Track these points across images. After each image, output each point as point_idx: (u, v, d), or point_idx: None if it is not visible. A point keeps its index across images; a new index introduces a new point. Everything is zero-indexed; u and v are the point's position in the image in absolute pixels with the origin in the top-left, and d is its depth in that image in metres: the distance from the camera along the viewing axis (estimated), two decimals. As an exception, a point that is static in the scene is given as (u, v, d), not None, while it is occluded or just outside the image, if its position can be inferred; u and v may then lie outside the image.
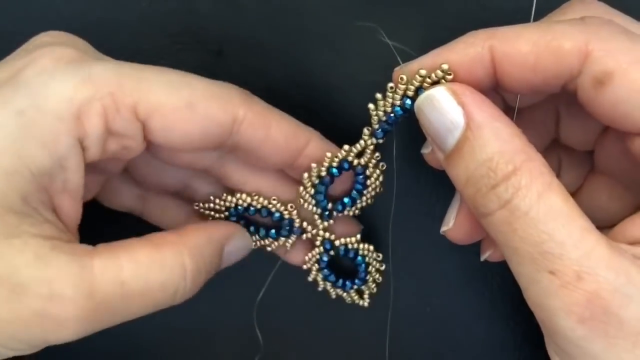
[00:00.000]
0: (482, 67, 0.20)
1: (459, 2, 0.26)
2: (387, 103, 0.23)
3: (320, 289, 0.29)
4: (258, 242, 0.28)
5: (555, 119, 0.25)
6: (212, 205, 0.28)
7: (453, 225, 0.24)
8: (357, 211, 0.28)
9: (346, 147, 0.25)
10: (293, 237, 0.28)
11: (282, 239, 0.28)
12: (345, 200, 0.27)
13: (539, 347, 0.31)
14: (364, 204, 0.28)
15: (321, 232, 0.28)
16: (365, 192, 0.27)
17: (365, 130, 0.25)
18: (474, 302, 0.31)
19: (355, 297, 0.30)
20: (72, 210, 0.23)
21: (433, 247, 0.30)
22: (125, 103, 0.22)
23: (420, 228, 0.30)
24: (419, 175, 0.29)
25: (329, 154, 0.26)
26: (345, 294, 0.29)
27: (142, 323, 0.22)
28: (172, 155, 0.26)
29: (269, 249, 0.29)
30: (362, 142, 0.25)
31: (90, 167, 0.23)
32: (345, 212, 0.28)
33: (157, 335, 0.34)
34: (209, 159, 0.26)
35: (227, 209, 0.28)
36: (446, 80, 0.21)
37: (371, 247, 0.28)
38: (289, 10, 0.27)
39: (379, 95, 0.23)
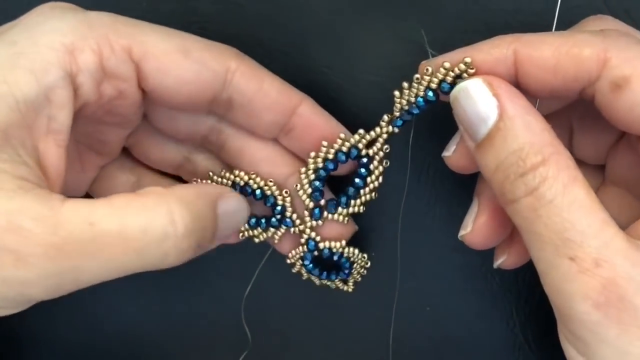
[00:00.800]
0: (505, 67, 0.21)
1: (459, 3, 0.26)
2: (411, 93, 0.24)
3: (304, 278, 0.29)
4: (247, 232, 0.28)
5: (569, 132, 0.26)
6: (209, 182, 0.28)
7: (471, 229, 0.25)
8: (357, 208, 0.28)
9: (361, 131, 0.26)
10: (282, 229, 0.28)
11: (272, 230, 0.28)
12: (342, 198, 0.27)
13: (539, 348, 0.31)
14: (357, 206, 0.27)
15: (307, 231, 0.28)
16: (361, 191, 0.27)
17: (385, 117, 0.25)
18: (474, 302, 0.31)
19: (340, 284, 0.30)
20: (56, 159, 0.22)
21: (433, 246, 0.30)
22: (119, 43, 0.22)
23: (421, 228, 0.30)
24: (419, 176, 0.29)
25: (342, 135, 0.26)
26: (329, 283, 0.30)
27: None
28: (172, 121, 0.26)
29: (256, 240, 0.28)
30: (377, 129, 0.25)
31: (90, 140, 0.24)
32: (338, 214, 0.28)
33: (146, 329, 0.34)
34: (207, 125, 0.27)
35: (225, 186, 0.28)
36: (468, 75, 0.22)
37: (356, 251, 0.28)
38: (288, 10, 0.27)
39: (405, 84, 0.24)
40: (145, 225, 0.20)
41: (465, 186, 0.26)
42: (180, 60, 0.23)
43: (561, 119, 0.25)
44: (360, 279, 0.30)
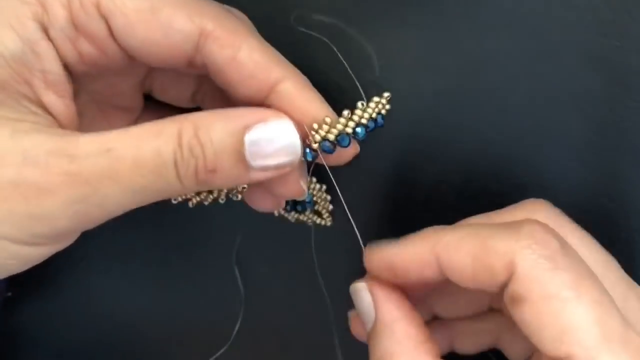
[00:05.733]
0: (431, 269, 0.22)
1: (459, 3, 0.26)
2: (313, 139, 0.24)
3: (276, 214, 0.30)
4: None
5: (497, 330, 0.27)
6: None
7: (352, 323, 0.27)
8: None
9: (346, 112, 0.24)
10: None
11: None
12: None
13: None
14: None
15: None
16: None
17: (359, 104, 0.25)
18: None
19: (316, 218, 0.30)
20: (63, 109, 0.22)
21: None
22: None
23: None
24: (414, 179, 0.29)
25: (327, 120, 0.24)
26: (303, 217, 0.30)
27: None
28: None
29: (221, 201, 0.28)
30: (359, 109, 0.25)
31: (106, 96, 0.24)
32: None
33: (146, 329, 0.34)
34: (189, 81, 0.27)
35: None
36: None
37: (317, 185, 0.29)
38: (288, 10, 0.27)
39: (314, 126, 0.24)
40: (158, 147, 0.21)
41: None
42: (147, 19, 0.22)
43: (489, 320, 0.27)
44: (331, 207, 0.30)
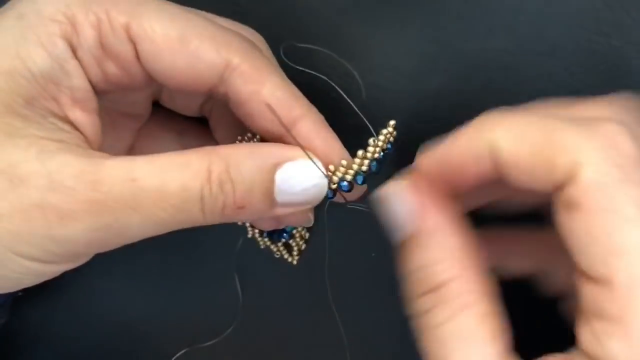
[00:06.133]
0: (485, 163, 0.20)
1: (459, 3, 0.26)
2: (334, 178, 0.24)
3: (249, 236, 0.30)
4: None
5: (541, 251, 0.25)
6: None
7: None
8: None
9: (360, 152, 0.24)
10: None
11: None
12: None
13: (538, 348, 0.31)
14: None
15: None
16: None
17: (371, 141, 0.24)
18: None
19: (284, 252, 0.30)
20: (89, 124, 0.22)
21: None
22: (119, 20, 0.22)
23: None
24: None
25: (344, 162, 0.24)
26: (273, 247, 0.30)
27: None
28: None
29: None
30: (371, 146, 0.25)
31: (118, 105, 0.24)
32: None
33: (146, 328, 0.34)
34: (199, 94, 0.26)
35: None
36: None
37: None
38: (288, 10, 0.27)
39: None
40: (184, 182, 0.20)
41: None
42: (176, 49, 0.22)
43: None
44: (304, 246, 0.30)
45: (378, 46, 0.27)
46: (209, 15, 0.25)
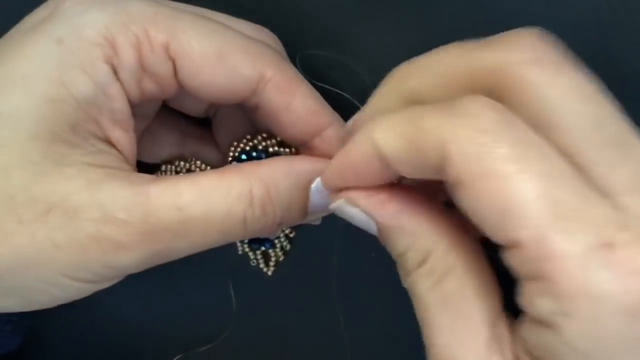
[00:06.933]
0: (379, 163, 0.20)
1: (459, 3, 0.26)
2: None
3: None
4: None
5: None
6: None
7: None
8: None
9: None
10: None
11: None
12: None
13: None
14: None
15: None
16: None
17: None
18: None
19: (261, 261, 0.30)
20: (127, 142, 0.23)
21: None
22: (158, 39, 0.22)
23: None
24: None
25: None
26: (251, 254, 0.30)
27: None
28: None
29: None
30: None
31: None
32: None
33: (145, 328, 0.34)
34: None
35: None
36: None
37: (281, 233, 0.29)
38: (288, 10, 0.28)
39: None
40: (228, 207, 0.22)
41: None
42: (215, 65, 0.23)
43: None
44: (282, 258, 0.29)
45: (377, 46, 0.27)
46: (226, 18, 0.25)
